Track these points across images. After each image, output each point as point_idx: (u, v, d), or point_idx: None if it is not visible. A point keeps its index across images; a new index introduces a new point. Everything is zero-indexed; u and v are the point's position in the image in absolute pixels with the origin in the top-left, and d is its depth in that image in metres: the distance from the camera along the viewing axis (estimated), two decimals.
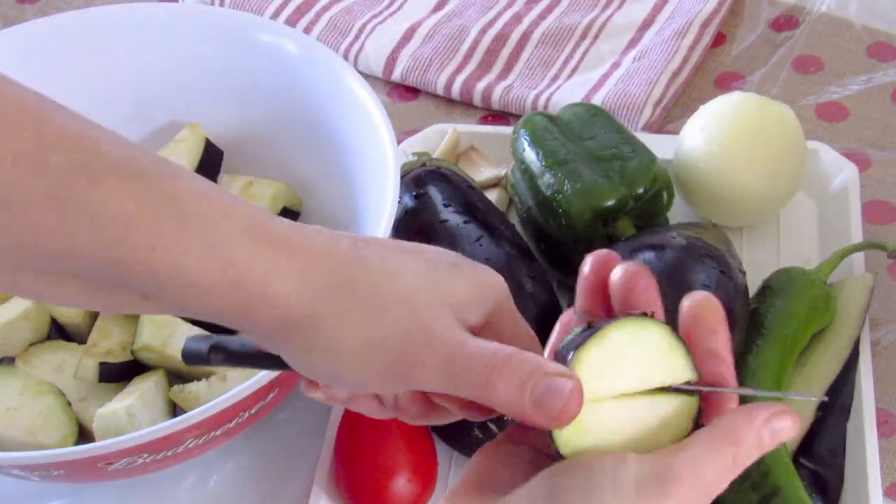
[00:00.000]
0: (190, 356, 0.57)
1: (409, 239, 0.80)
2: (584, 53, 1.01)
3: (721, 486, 0.45)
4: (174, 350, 0.74)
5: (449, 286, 0.48)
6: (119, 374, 0.76)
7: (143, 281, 0.45)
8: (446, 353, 0.45)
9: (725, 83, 0.99)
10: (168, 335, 0.74)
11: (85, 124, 0.44)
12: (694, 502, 0.44)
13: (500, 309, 0.51)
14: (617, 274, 0.48)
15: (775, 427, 0.46)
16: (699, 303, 0.48)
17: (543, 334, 0.78)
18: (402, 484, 0.71)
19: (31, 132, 0.42)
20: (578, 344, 0.45)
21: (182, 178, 0.45)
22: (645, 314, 0.47)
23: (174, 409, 0.75)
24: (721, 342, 0.47)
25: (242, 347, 0.56)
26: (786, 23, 1.03)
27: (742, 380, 0.72)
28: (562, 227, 0.79)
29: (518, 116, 0.92)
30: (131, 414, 0.71)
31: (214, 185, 0.47)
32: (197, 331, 0.75)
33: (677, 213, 0.83)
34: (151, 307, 0.48)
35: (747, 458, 0.46)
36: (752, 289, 0.78)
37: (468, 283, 0.49)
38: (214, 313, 0.47)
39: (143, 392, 0.73)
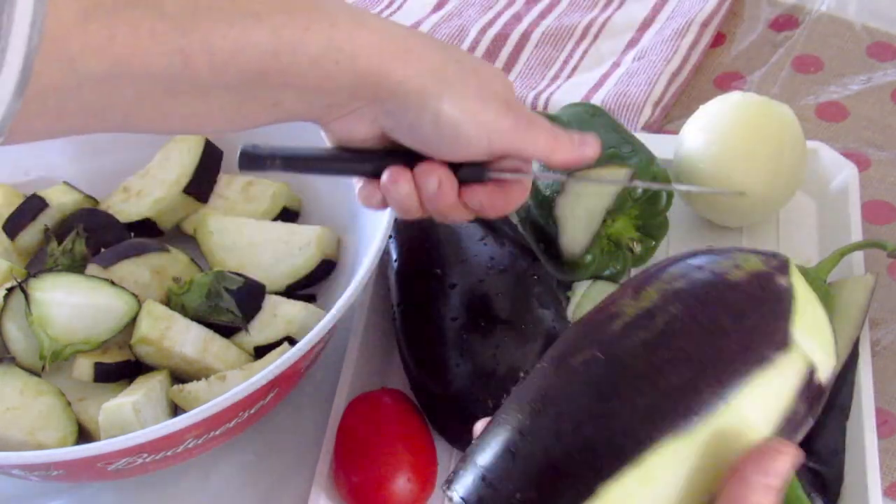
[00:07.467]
0: (246, 160, 0.61)
1: (412, 240, 0.81)
2: (584, 53, 1.01)
3: None
4: (171, 343, 0.74)
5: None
6: (115, 374, 0.76)
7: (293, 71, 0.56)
8: (530, 117, 0.63)
9: (725, 83, 0.99)
10: (165, 328, 0.74)
11: None
12: None
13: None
14: None
15: (775, 469, 0.44)
16: None
17: (547, 337, 0.78)
18: (401, 484, 0.71)
19: None
20: None
21: None
22: None
23: (175, 410, 0.75)
24: None
25: (300, 152, 0.61)
26: (785, 23, 1.03)
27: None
28: None
29: None
30: (137, 409, 0.71)
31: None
32: (195, 325, 0.75)
33: (677, 212, 0.83)
34: (280, 112, 0.58)
35: None
36: None
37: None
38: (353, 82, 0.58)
39: (148, 390, 0.73)
